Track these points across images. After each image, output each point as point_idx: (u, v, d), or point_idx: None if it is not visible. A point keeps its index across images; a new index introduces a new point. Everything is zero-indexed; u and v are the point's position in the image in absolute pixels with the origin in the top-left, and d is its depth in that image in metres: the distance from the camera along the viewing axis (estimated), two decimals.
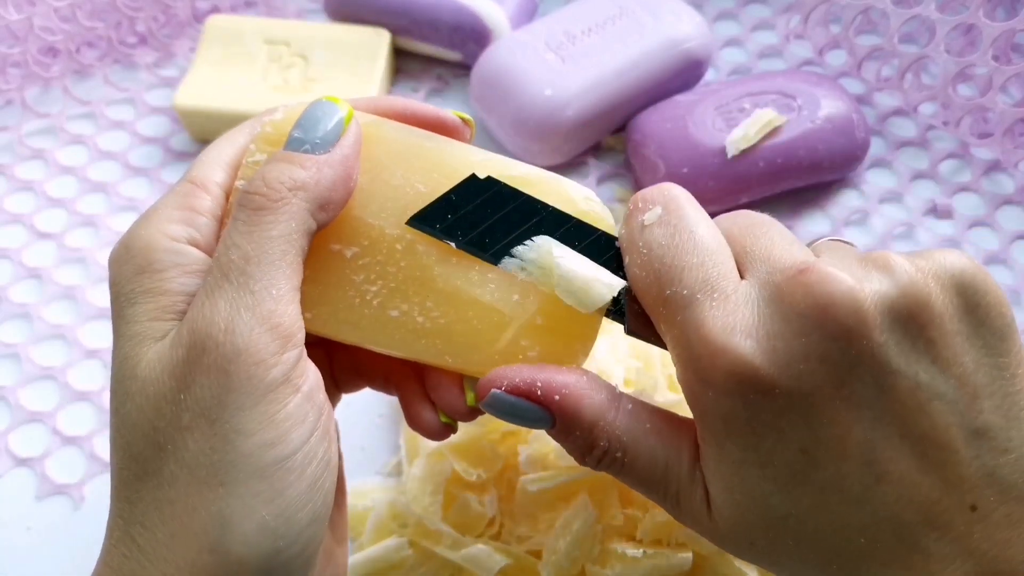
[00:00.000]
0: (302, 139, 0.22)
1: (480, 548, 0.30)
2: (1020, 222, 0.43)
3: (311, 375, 0.21)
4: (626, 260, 0.23)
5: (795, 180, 0.42)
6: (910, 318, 0.20)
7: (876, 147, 0.46)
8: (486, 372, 0.23)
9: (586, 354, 0.24)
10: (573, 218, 0.24)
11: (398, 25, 0.47)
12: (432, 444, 0.32)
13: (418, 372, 0.26)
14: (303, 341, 0.21)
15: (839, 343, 0.19)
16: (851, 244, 0.23)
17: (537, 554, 0.31)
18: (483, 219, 0.23)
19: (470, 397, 0.25)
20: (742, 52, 0.50)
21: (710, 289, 0.21)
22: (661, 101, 0.44)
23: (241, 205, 0.21)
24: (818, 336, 0.20)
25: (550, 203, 0.24)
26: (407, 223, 0.23)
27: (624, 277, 0.23)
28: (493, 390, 0.22)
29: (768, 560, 0.22)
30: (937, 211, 0.44)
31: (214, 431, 0.20)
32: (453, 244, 0.23)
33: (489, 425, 0.31)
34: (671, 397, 0.33)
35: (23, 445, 0.38)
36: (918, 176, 0.45)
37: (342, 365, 0.27)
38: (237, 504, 0.20)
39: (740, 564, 0.30)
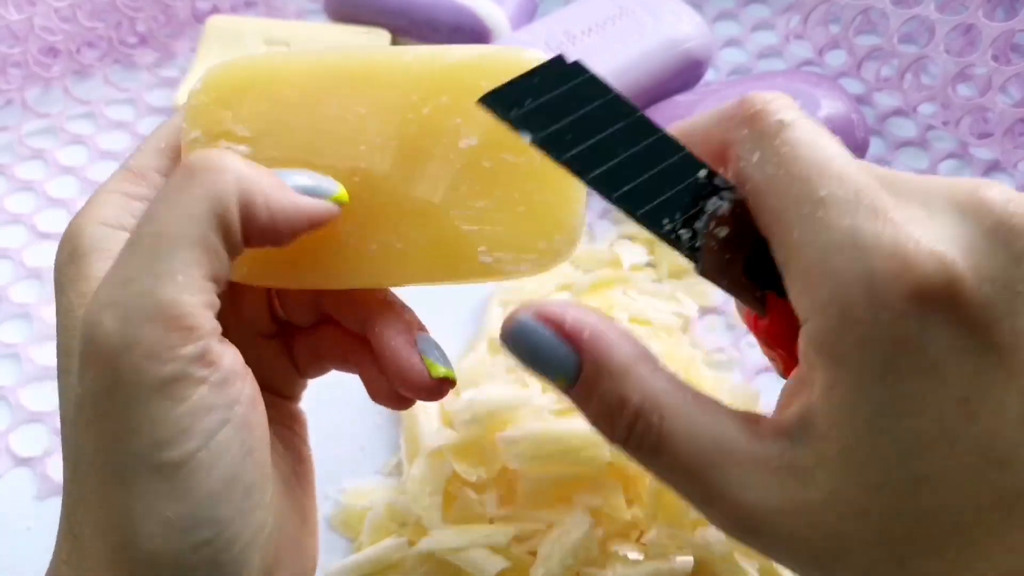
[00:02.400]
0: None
1: (479, 551, 0.30)
2: None
3: (225, 363, 0.20)
4: (754, 158, 0.20)
5: None
6: None
7: (876, 147, 0.46)
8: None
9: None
10: (661, 130, 0.21)
11: (397, 26, 0.47)
12: (432, 444, 0.32)
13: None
14: (212, 331, 0.19)
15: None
16: None
17: (536, 554, 0.31)
18: (562, 114, 0.20)
19: (435, 370, 0.23)
20: (742, 52, 0.50)
21: (877, 195, 0.18)
22: (661, 101, 0.44)
23: (176, 172, 0.20)
24: (1005, 256, 0.17)
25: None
26: (479, 101, 0.19)
27: (702, 210, 0.20)
28: (519, 316, 0.20)
29: (877, 549, 0.18)
30: None
31: (105, 428, 0.19)
32: (527, 138, 0.19)
33: (489, 425, 0.31)
34: None
35: (23, 445, 0.38)
36: None
37: (301, 349, 0.26)
38: (138, 503, 0.19)
39: (744, 564, 0.30)
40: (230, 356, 0.20)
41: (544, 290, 0.39)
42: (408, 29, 0.47)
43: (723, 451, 0.19)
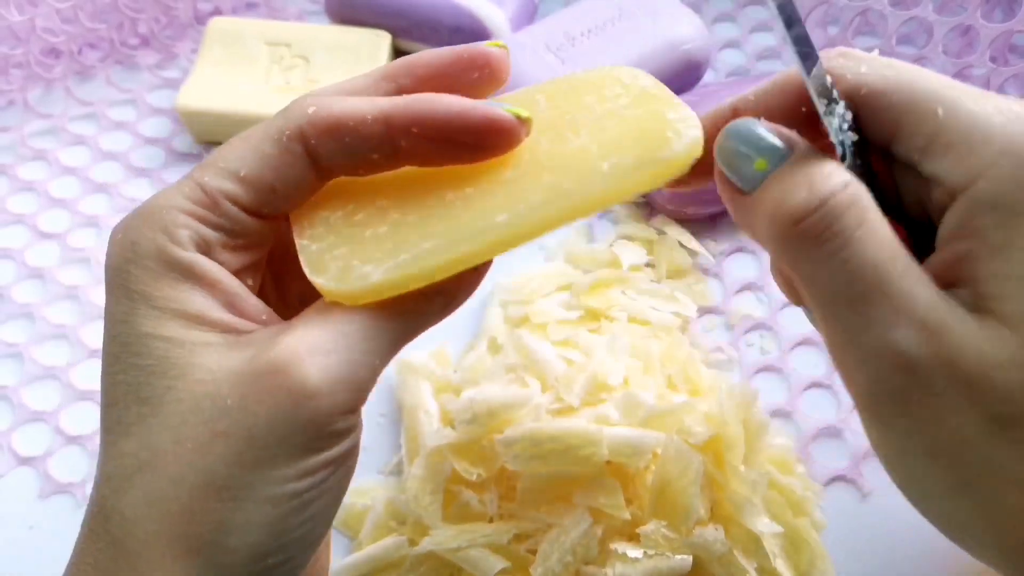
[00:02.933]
0: None
1: (478, 550, 0.30)
2: None
3: (358, 434, 0.22)
4: (862, 68, 0.21)
5: None
6: None
7: None
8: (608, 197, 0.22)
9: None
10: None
11: (398, 27, 0.48)
12: (432, 443, 0.32)
13: None
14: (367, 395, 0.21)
15: None
16: None
17: (536, 552, 0.31)
18: None
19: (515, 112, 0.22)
20: (740, 54, 0.50)
21: None
22: None
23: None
24: None
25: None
26: None
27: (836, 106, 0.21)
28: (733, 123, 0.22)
29: None
30: None
31: (251, 455, 0.19)
32: None
33: (489, 425, 0.32)
34: (670, 398, 0.33)
35: (26, 444, 0.38)
36: None
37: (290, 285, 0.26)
38: (241, 519, 0.19)
39: (743, 562, 0.30)
40: (359, 428, 0.22)
41: (544, 289, 0.39)
42: (409, 30, 0.48)
43: (909, 273, 0.19)
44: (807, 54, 0.21)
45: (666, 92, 0.24)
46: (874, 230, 0.19)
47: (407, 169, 0.23)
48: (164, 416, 0.20)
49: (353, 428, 0.21)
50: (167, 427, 0.20)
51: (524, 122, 0.22)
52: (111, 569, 0.19)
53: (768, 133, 0.21)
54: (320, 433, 0.20)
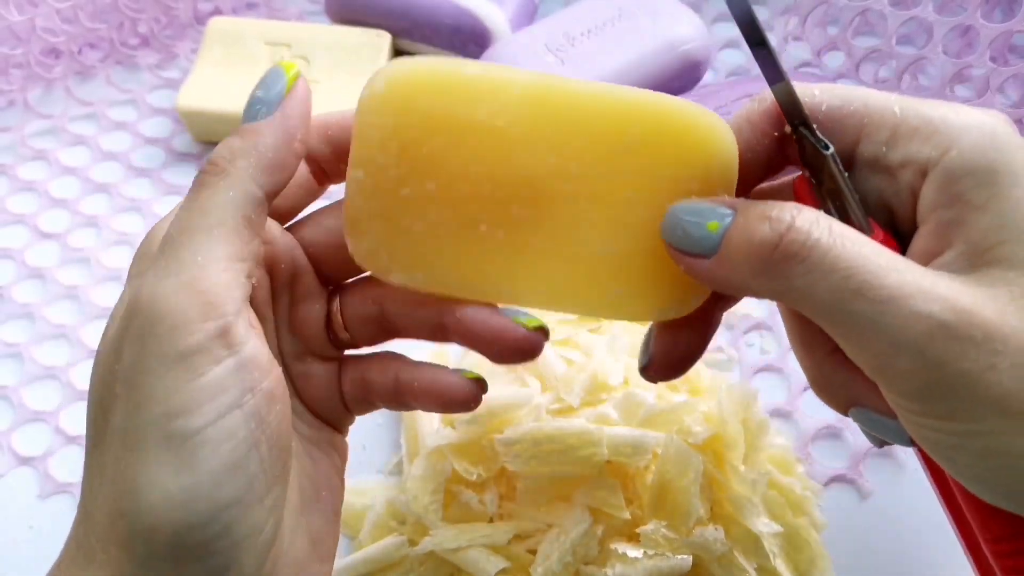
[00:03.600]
0: (253, 110, 0.22)
1: (478, 551, 0.30)
2: None
3: (246, 349, 0.21)
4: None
5: None
6: None
7: None
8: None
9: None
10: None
11: (399, 27, 0.48)
12: (432, 443, 0.32)
13: (417, 387, 0.25)
14: (236, 312, 0.21)
15: None
16: None
17: (536, 552, 0.31)
18: None
19: (531, 322, 0.24)
20: (740, 54, 0.50)
21: None
22: None
23: (194, 181, 0.22)
24: None
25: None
26: None
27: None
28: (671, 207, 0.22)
29: None
30: None
31: (130, 397, 0.20)
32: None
33: (489, 425, 0.32)
34: (670, 397, 0.33)
35: (26, 444, 0.38)
36: None
37: (350, 381, 0.26)
38: (144, 471, 0.20)
39: (742, 562, 0.30)
40: (253, 344, 0.21)
41: None
42: (409, 31, 0.48)
43: (896, 256, 0.20)
44: (772, 73, 0.22)
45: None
46: (847, 230, 0.20)
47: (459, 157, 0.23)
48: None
49: (223, 344, 0.20)
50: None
51: (542, 333, 0.24)
52: (75, 558, 0.21)
53: (707, 202, 0.22)
54: (175, 348, 0.20)
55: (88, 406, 0.22)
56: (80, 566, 0.20)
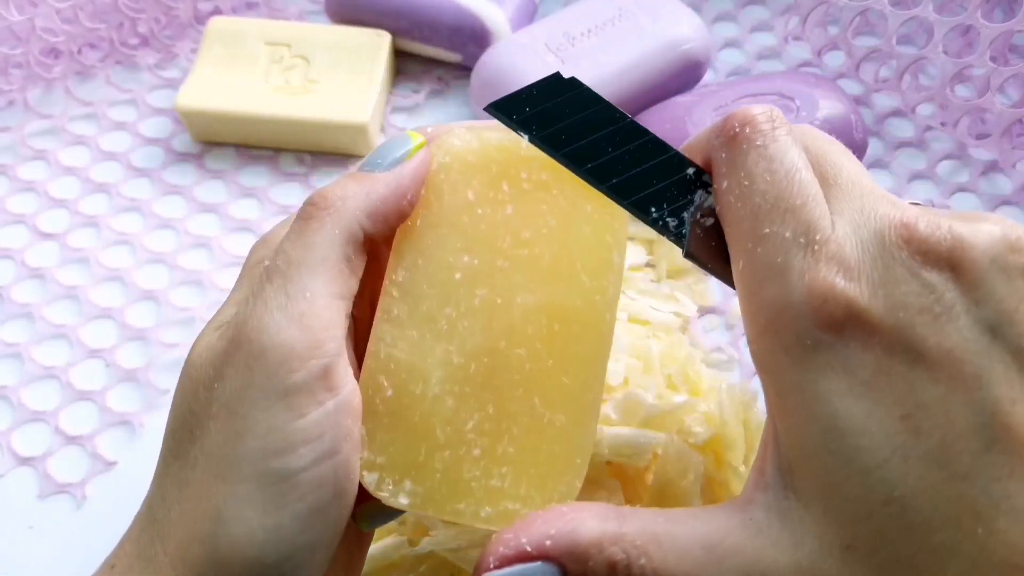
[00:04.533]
0: (373, 162, 0.23)
1: (479, 550, 0.30)
2: (1018, 222, 0.43)
3: (344, 395, 0.21)
4: (723, 185, 0.21)
5: None
6: (1018, 272, 0.19)
7: (874, 148, 0.46)
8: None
9: (580, 480, 0.23)
10: (650, 133, 0.23)
11: (399, 27, 0.48)
12: None
13: None
14: (337, 352, 0.21)
15: (943, 293, 0.18)
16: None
17: None
18: (559, 119, 0.23)
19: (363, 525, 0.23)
20: (741, 53, 0.50)
21: (812, 231, 0.20)
22: (660, 102, 0.44)
23: (297, 216, 0.22)
24: (919, 283, 0.19)
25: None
26: (485, 108, 0.23)
27: (690, 202, 0.22)
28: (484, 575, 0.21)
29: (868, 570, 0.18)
30: None
31: (231, 425, 0.20)
32: (526, 137, 0.23)
33: None
34: (670, 397, 0.33)
35: (25, 444, 0.38)
36: (916, 177, 0.45)
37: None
38: (233, 503, 0.20)
39: None
40: (350, 388, 0.21)
41: None
42: (409, 30, 0.48)
43: (713, 552, 0.19)
44: (617, 197, 0.23)
45: None
46: (667, 558, 0.19)
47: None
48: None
49: (325, 386, 0.21)
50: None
51: None
52: (136, 566, 0.21)
53: (528, 573, 0.21)
54: (281, 384, 0.20)
55: (173, 411, 0.22)
56: (141, 570, 0.20)
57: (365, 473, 0.22)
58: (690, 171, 0.23)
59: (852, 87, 0.48)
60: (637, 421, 0.31)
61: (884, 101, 0.48)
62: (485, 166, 0.24)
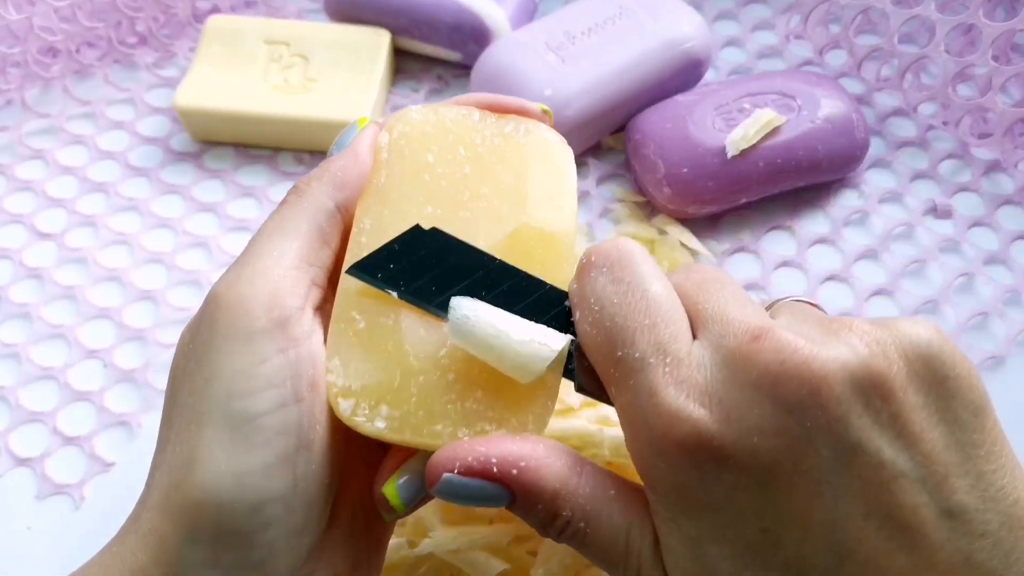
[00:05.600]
0: (333, 151, 0.26)
1: (478, 552, 0.30)
2: (1020, 222, 0.43)
3: (307, 348, 0.22)
4: (576, 315, 0.22)
5: (795, 180, 0.42)
6: (872, 389, 0.19)
7: (876, 147, 0.46)
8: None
9: (544, 422, 0.23)
10: (522, 272, 0.23)
11: (398, 25, 0.47)
12: None
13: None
14: (300, 307, 0.22)
15: (794, 415, 0.19)
16: (815, 305, 0.22)
17: (536, 554, 0.31)
18: (426, 270, 0.23)
19: (389, 486, 0.23)
20: (742, 52, 0.50)
21: (663, 353, 0.20)
22: (661, 101, 0.44)
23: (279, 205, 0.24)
24: (772, 407, 0.19)
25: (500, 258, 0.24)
26: (346, 271, 0.23)
27: (574, 334, 0.22)
28: (445, 474, 0.21)
29: None
30: (937, 211, 0.44)
31: (201, 374, 0.21)
32: (394, 294, 0.23)
33: None
34: None
35: (23, 445, 0.38)
36: (918, 176, 0.45)
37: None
38: (203, 447, 0.20)
39: None
40: (315, 343, 0.22)
41: None
42: (409, 29, 0.47)
43: (631, 550, 0.21)
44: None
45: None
46: (598, 532, 0.21)
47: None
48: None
49: (286, 335, 0.21)
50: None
51: (547, 114, 0.27)
52: (126, 527, 0.22)
53: (482, 491, 0.21)
54: (244, 330, 0.21)
55: (165, 390, 0.23)
56: (128, 533, 0.21)
57: (341, 400, 0.22)
58: (567, 303, 0.23)
59: (854, 86, 0.48)
60: None
61: (886, 100, 0.48)
62: (442, 134, 0.26)
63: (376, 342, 0.23)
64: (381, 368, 0.23)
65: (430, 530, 0.31)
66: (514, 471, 0.21)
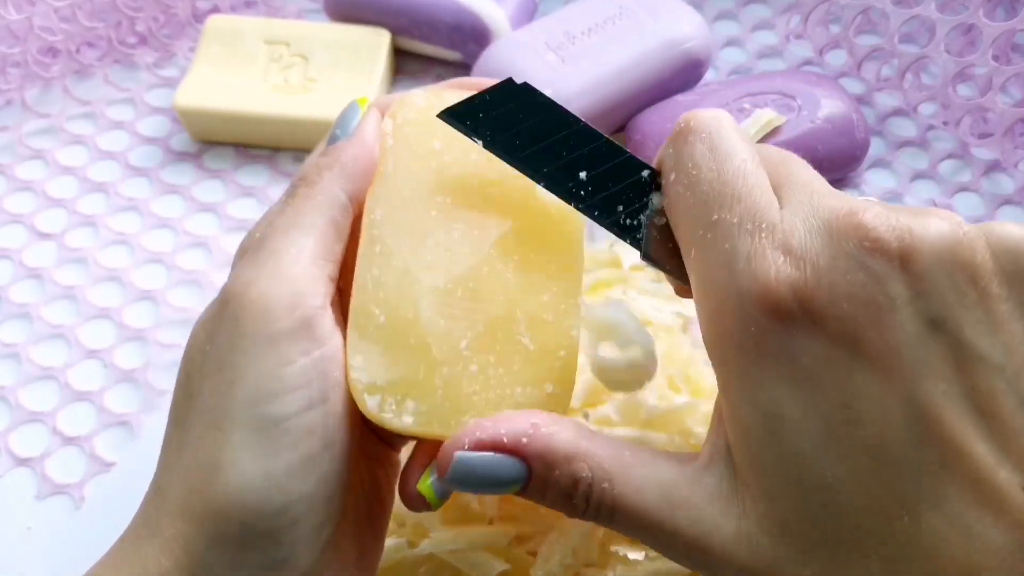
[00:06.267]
0: (335, 135, 0.25)
1: (478, 552, 0.30)
2: (1020, 222, 0.43)
3: (330, 347, 0.22)
4: (671, 177, 0.22)
5: None
6: (960, 271, 0.19)
7: (876, 147, 0.46)
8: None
9: (569, 396, 0.23)
10: (604, 137, 0.23)
11: (398, 25, 0.47)
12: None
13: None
14: (322, 306, 0.22)
15: (886, 285, 0.19)
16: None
17: (537, 555, 0.31)
18: (513, 124, 0.23)
19: (423, 482, 0.23)
20: (742, 52, 0.50)
21: (759, 219, 0.20)
22: (661, 101, 0.44)
23: (283, 195, 0.24)
24: (865, 275, 0.19)
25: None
26: (438, 115, 0.23)
27: (646, 204, 0.23)
28: (456, 453, 0.21)
29: (802, 558, 0.19)
30: None
31: (223, 377, 0.21)
32: (480, 143, 0.23)
33: None
34: (672, 398, 0.33)
35: (23, 445, 0.38)
36: (918, 176, 0.45)
37: None
38: (228, 450, 0.20)
39: None
40: (336, 342, 0.22)
41: None
42: (408, 29, 0.47)
43: (669, 498, 0.20)
44: (572, 201, 0.23)
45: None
46: (627, 491, 0.21)
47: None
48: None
49: (309, 336, 0.21)
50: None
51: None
52: (140, 532, 0.21)
53: (498, 465, 0.21)
54: (267, 332, 0.21)
55: (175, 390, 0.22)
56: (144, 539, 0.21)
57: (367, 397, 0.22)
58: (645, 173, 0.23)
59: (854, 86, 0.48)
60: (639, 423, 0.31)
61: (886, 100, 0.47)
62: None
63: (397, 336, 0.23)
64: (404, 362, 0.23)
65: (430, 530, 0.31)
66: (524, 439, 0.21)
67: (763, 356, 0.19)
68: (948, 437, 0.18)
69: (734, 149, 0.21)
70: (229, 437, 0.20)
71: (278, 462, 0.20)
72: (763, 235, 0.20)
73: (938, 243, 0.19)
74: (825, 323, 0.19)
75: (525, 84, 0.23)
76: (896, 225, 0.19)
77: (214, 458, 0.20)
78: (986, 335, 0.19)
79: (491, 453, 0.21)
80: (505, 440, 0.21)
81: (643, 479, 0.21)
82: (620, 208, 0.23)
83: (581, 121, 0.23)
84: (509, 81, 0.23)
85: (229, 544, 0.20)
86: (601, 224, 0.23)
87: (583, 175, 0.23)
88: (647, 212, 0.23)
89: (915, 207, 0.21)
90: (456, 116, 0.23)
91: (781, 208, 0.20)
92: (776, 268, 0.19)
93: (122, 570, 0.21)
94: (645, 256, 0.23)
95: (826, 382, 0.19)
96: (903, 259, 0.19)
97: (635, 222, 0.23)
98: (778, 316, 0.19)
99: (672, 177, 0.22)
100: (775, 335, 0.19)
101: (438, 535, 0.31)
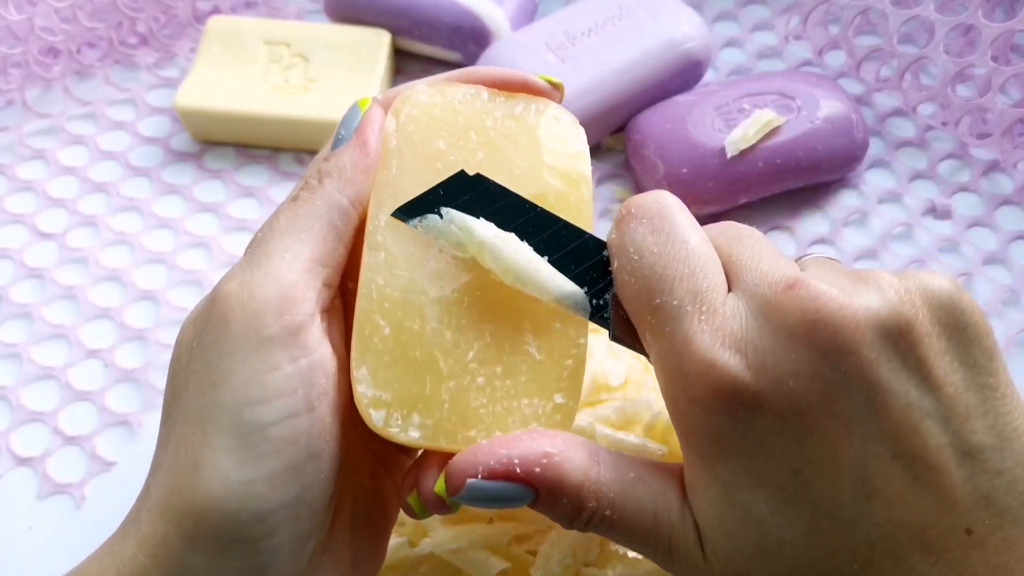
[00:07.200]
0: (339, 138, 0.24)
1: (478, 551, 0.30)
2: (1019, 222, 0.44)
3: (318, 356, 0.21)
4: (615, 264, 0.22)
5: (794, 180, 0.42)
6: (900, 336, 0.19)
7: (875, 147, 0.46)
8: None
9: (577, 402, 0.23)
10: (561, 220, 0.23)
11: (398, 26, 0.47)
12: None
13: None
14: (311, 313, 0.21)
15: (829, 359, 0.19)
16: (836, 260, 0.23)
17: (536, 554, 0.31)
18: (471, 215, 0.23)
19: (439, 485, 0.22)
20: (741, 53, 0.50)
21: (699, 301, 0.20)
22: (661, 101, 0.44)
23: (288, 197, 0.23)
24: (807, 352, 0.19)
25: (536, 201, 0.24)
26: (392, 214, 0.23)
27: (610, 283, 0.23)
28: (469, 481, 0.21)
29: None
30: (936, 211, 0.44)
31: (208, 377, 0.21)
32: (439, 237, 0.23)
33: None
34: None
35: (24, 445, 0.38)
36: (917, 176, 0.45)
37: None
38: (210, 454, 0.20)
39: None
40: (325, 351, 0.22)
41: None
42: (408, 29, 0.47)
43: (659, 523, 0.21)
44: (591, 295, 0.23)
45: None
46: (625, 515, 0.21)
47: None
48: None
49: (298, 343, 0.21)
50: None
51: (556, 87, 0.26)
52: (127, 529, 0.21)
53: (506, 492, 0.21)
54: (255, 336, 0.20)
55: (165, 384, 0.22)
56: (129, 535, 0.21)
57: (372, 411, 0.22)
58: (606, 253, 0.23)
59: (853, 86, 0.48)
60: (639, 423, 0.31)
61: (885, 100, 0.48)
62: (452, 117, 0.25)
63: (403, 349, 0.22)
64: (410, 375, 0.22)
65: (430, 530, 0.31)
66: (537, 469, 0.21)
67: (716, 434, 0.20)
68: (894, 495, 0.19)
69: (675, 231, 0.22)
70: (211, 439, 0.20)
71: (259, 469, 0.20)
72: (703, 317, 0.20)
73: (878, 313, 0.19)
74: (770, 400, 0.19)
75: (478, 175, 0.23)
76: (836, 301, 0.19)
77: (195, 459, 0.20)
78: (929, 392, 0.20)
79: (503, 483, 0.21)
80: (518, 471, 0.21)
81: (642, 503, 0.21)
82: (585, 289, 0.23)
83: (537, 207, 0.23)
84: (461, 173, 0.23)
85: (207, 547, 0.20)
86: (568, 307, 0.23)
87: (545, 259, 0.23)
88: (612, 291, 0.23)
89: (863, 272, 0.21)
90: (412, 213, 0.23)
91: (730, 287, 0.21)
92: (714, 353, 0.20)
93: (105, 566, 0.21)
94: (614, 337, 0.23)
95: (776, 453, 0.20)
96: (846, 335, 0.19)
97: (601, 301, 0.23)
98: (723, 398, 0.20)
99: (616, 264, 0.22)
100: (723, 416, 0.20)
101: (438, 534, 0.31)
